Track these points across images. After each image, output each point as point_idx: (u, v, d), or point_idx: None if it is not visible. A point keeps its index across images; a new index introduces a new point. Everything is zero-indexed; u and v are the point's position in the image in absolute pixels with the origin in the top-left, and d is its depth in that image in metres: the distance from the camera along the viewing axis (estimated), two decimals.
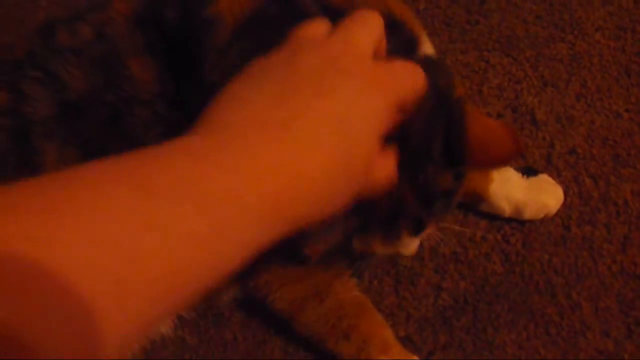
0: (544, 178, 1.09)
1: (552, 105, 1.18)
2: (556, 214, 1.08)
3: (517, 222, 1.08)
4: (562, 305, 1.03)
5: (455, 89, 0.79)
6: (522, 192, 1.07)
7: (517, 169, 1.08)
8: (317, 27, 0.64)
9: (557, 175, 1.11)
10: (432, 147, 0.75)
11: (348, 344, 0.95)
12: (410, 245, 0.86)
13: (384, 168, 0.64)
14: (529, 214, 1.08)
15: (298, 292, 0.98)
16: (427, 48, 0.88)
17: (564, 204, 1.09)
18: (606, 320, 1.01)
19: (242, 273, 0.97)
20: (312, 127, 0.53)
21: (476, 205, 1.09)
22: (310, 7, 0.84)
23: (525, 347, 1.00)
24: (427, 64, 0.74)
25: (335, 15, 0.68)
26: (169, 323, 1.03)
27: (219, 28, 0.86)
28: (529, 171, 1.09)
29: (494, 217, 1.09)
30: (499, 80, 1.22)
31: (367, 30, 0.62)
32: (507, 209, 1.08)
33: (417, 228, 0.81)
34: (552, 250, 1.06)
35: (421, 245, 1.06)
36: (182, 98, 0.88)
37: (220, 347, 1.04)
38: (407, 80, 0.63)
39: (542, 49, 1.25)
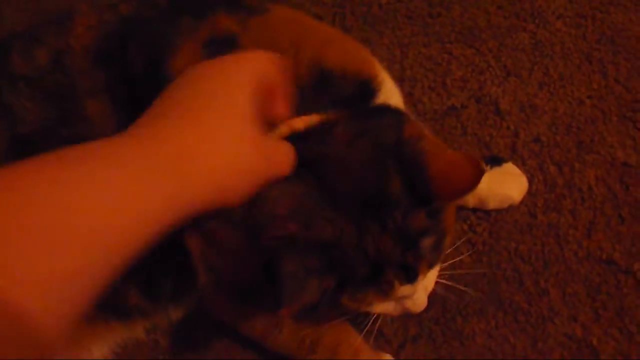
0: (508, 168, 1.10)
1: (516, 95, 1.19)
2: (522, 202, 1.09)
3: (483, 211, 1.09)
4: (530, 292, 1.03)
5: (404, 131, 0.79)
6: (486, 184, 1.07)
7: (482, 159, 1.09)
8: None
9: (522, 163, 1.12)
10: (389, 192, 0.75)
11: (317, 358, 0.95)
12: (417, 299, 0.84)
13: (282, 151, 0.71)
14: (492, 204, 1.08)
15: (260, 324, 0.98)
16: (386, 92, 0.88)
17: (530, 192, 1.10)
18: (574, 306, 1.02)
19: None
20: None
21: None
22: None
23: (495, 336, 1.01)
24: (367, 115, 0.80)
25: None
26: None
27: None
28: (493, 160, 1.09)
29: (460, 208, 1.09)
30: (462, 72, 1.22)
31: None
32: (470, 201, 1.08)
33: (408, 275, 0.79)
34: (519, 238, 1.07)
35: None
36: None
37: (193, 347, 1.04)
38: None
39: (504, 39, 1.25)
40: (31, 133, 0.88)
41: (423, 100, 1.19)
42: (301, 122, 0.78)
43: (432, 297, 1.01)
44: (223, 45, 0.84)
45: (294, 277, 0.71)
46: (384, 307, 0.84)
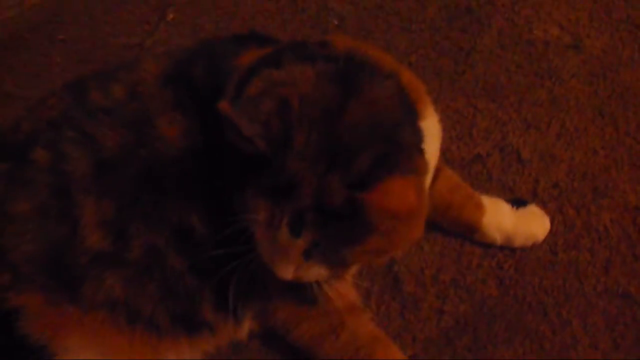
0: (532, 209, 1.21)
1: (536, 145, 1.31)
2: (544, 241, 1.20)
3: (509, 249, 1.19)
4: (553, 322, 1.12)
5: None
6: (512, 223, 1.18)
7: (507, 201, 1.20)
8: None
9: (543, 206, 1.23)
10: (357, 158, 0.84)
11: None
12: (285, 263, 0.91)
13: None
14: (519, 242, 1.19)
15: (314, 329, 1.07)
16: (429, 121, 1.00)
17: (551, 232, 1.20)
18: (594, 335, 1.11)
19: (258, 312, 1.08)
20: None
21: (470, 235, 1.20)
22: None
23: None
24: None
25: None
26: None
27: (238, 71, 0.98)
28: (518, 202, 1.20)
29: (488, 246, 1.19)
30: (487, 124, 1.34)
31: None
32: (498, 239, 1.19)
33: (296, 224, 0.86)
34: (542, 273, 1.17)
35: (422, 272, 1.17)
36: (209, 149, 0.99)
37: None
38: None
39: (524, 94, 1.38)
40: (113, 157, 0.99)
41: (452, 149, 1.31)
42: None
43: (463, 326, 1.12)
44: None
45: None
46: (262, 238, 0.90)
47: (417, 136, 0.94)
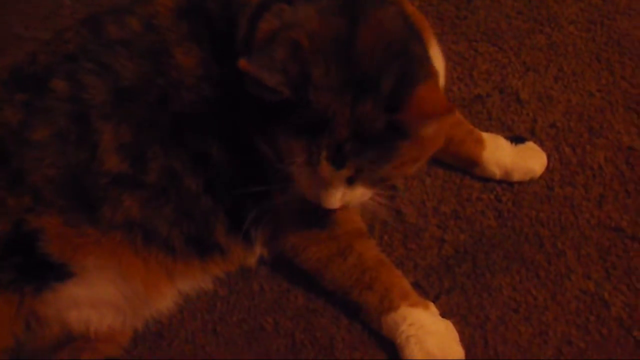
0: (530, 145, 1.25)
1: (534, 87, 1.35)
2: (541, 177, 1.24)
3: (507, 183, 1.24)
4: (549, 253, 1.17)
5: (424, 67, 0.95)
6: (511, 158, 1.23)
7: (507, 138, 1.24)
8: None
9: (540, 145, 1.27)
10: (381, 81, 0.89)
11: (372, 294, 1.08)
12: (332, 194, 0.95)
13: None
14: (517, 177, 1.23)
15: (322, 251, 1.10)
16: (433, 50, 1.04)
17: (547, 168, 1.25)
18: (587, 265, 1.16)
19: (269, 237, 1.12)
20: None
21: (470, 170, 1.25)
22: None
23: (519, 289, 1.14)
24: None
25: None
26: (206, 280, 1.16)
27: (249, 6, 1.03)
28: (517, 139, 1.24)
29: (487, 180, 1.24)
30: (487, 66, 1.38)
31: None
32: (497, 173, 1.23)
33: (337, 157, 0.90)
34: (539, 207, 1.22)
35: (424, 204, 1.21)
36: (224, 78, 1.03)
37: (249, 296, 1.17)
38: None
39: (523, 39, 1.42)
40: (131, 85, 1.03)
41: (453, 90, 1.35)
42: None
43: (463, 254, 1.16)
44: None
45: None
46: (302, 177, 0.95)
47: (425, 51, 0.99)
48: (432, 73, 0.95)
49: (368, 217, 1.17)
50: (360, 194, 0.99)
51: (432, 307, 1.10)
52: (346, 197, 0.97)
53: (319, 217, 1.09)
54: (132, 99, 1.03)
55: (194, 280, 1.12)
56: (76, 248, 1.02)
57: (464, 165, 1.24)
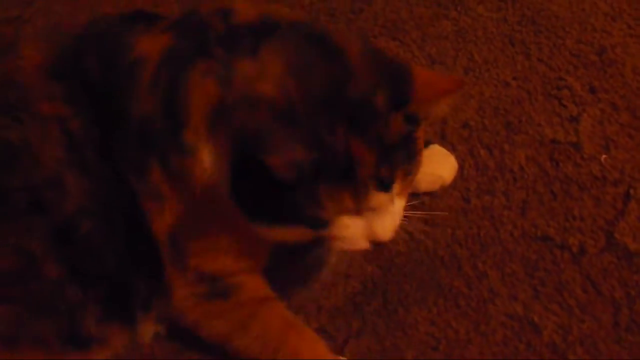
0: (434, 148, 1.12)
1: None
2: (454, 188, 1.11)
3: (417, 200, 1.10)
4: (469, 276, 1.04)
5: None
6: None
7: None
8: None
9: (452, 149, 1.14)
10: (375, 102, 0.80)
11: None
12: (386, 221, 0.86)
13: None
14: (424, 186, 1.10)
15: (224, 325, 0.98)
16: None
17: (462, 177, 1.12)
18: (513, 285, 1.03)
19: (163, 315, 0.98)
20: None
21: None
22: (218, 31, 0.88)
23: (437, 323, 1.01)
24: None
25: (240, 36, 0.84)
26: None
27: (144, 67, 0.88)
28: None
29: None
30: None
31: None
32: None
33: (382, 182, 0.82)
34: (454, 224, 1.09)
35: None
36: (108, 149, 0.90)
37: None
38: None
39: (427, 28, 1.29)
40: None
41: None
42: None
43: (371, 289, 1.03)
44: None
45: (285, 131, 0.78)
46: (354, 228, 0.85)
47: None
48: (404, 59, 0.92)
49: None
50: (400, 206, 0.89)
51: None
52: (395, 218, 0.88)
53: (220, 285, 0.97)
54: None
55: None
56: None
57: None
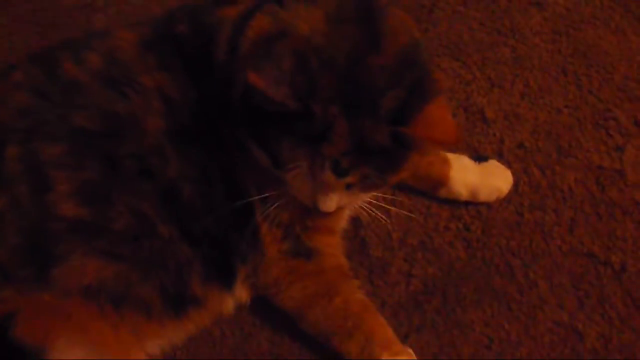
0: (493, 163, 1.21)
1: (500, 104, 1.30)
2: (509, 202, 1.20)
3: (476, 210, 1.19)
4: (520, 284, 1.13)
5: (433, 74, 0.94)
6: (477, 177, 1.18)
7: (470, 157, 1.20)
8: None
9: (508, 167, 1.22)
10: (388, 93, 0.86)
11: (353, 342, 1.02)
12: (330, 199, 0.93)
13: None
14: (483, 196, 1.19)
15: (308, 289, 1.04)
16: None
17: (516, 192, 1.20)
18: (560, 295, 1.12)
19: (252, 271, 1.05)
20: None
21: (435, 192, 1.19)
22: None
23: (491, 324, 1.10)
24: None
25: None
26: None
27: (226, 22, 0.97)
28: (479, 158, 1.20)
29: (455, 206, 1.19)
30: (450, 83, 1.32)
31: None
32: (464, 193, 1.18)
33: (340, 167, 0.88)
34: (509, 235, 1.17)
35: (390, 235, 1.16)
36: (203, 102, 0.98)
37: (210, 343, 1.10)
38: None
39: (487, 52, 1.36)
40: (90, 126, 0.97)
41: None
42: None
43: (432, 289, 1.11)
44: None
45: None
46: (302, 182, 0.93)
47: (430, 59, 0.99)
48: (440, 89, 0.92)
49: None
50: (356, 198, 0.98)
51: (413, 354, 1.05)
52: (343, 200, 0.95)
53: (304, 245, 1.04)
54: (91, 139, 0.97)
55: (165, 340, 1.05)
56: (48, 331, 0.94)
57: (429, 187, 1.19)
